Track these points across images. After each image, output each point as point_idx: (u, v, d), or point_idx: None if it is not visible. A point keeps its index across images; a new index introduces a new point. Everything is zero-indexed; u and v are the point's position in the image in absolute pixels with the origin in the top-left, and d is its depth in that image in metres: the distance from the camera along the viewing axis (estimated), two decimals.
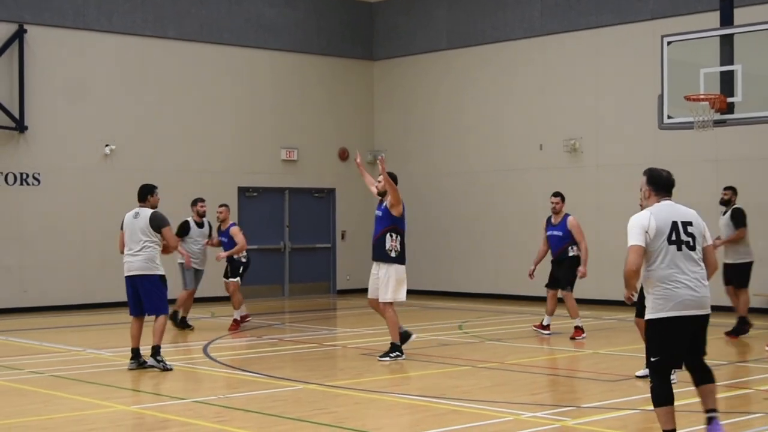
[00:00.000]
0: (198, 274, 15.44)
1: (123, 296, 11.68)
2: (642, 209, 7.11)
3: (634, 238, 6.87)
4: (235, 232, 15.22)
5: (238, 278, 15.30)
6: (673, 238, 6.86)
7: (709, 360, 7.14)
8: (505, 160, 20.87)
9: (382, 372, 11.26)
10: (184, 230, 15.26)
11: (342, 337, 14.87)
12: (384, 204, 12.08)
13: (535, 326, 14.59)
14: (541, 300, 18.54)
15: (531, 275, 14.45)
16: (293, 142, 22.10)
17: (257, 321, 16.35)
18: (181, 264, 15.34)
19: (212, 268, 16.28)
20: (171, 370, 11.20)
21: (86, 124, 19.28)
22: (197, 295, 15.74)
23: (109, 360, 12.24)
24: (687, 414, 8.00)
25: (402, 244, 12.00)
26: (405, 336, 12.25)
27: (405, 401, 9.38)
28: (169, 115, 20.32)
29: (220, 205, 15.58)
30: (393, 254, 11.93)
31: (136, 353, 11.35)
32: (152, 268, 11.31)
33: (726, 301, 14.21)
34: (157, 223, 11.32)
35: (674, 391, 6.95)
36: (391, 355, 11.87)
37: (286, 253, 22.08)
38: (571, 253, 14.07)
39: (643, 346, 7.60)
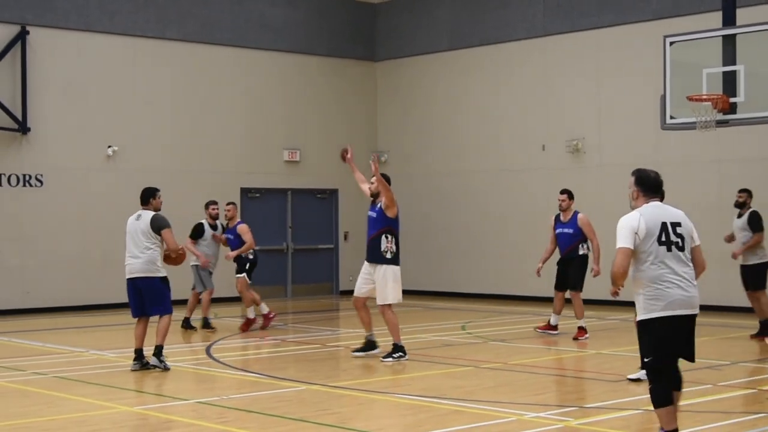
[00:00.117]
0: (211, 274, 15.48)
1: (125, 297, 11.67)
2: (632, 210, 7.13)
3: (623, 240, 6.89)
4: (243, 230, 15.18)
5: (244, 275, 15.26)
6: (663, 239, 6.88)
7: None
8: (508, 161, 20.87)
9: (385, 372, 11.26)
10: (198, 232, 15.31)
11: (345, 338, 14.86)
12: (378, 205, 12.09)
13: (539, 328, 14.50)
14: (541, 300, 18.63)
15: (538, 273, 14.29)
16: (296, 143, 22.10)
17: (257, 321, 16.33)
18: (196, 266, 15.30)
19: (217, 268, 16.22)
20: (169, 369, 11.23)
21: (89, 125, 19.29)
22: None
23: (112, 361, 12.24)
24: (690, 414, 7.99)
25: (397, 245, 12.03)
26: (371, 344, 12.25)
27: (408, 402, 9.37)
28: (171, 117, 20.32)
29: (228, 203, 15.58)
30: (389, 255, 11.95)
31: (139, 354, 11.37)
32: (153, 270, 11.32)
33: (743, 301, 14.09)
34: (158, 224, 11.32)
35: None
36: (394, 355, 11.87)
37: (288, 253, 22.08)
38: (581, 252, 14.00)
39: None
